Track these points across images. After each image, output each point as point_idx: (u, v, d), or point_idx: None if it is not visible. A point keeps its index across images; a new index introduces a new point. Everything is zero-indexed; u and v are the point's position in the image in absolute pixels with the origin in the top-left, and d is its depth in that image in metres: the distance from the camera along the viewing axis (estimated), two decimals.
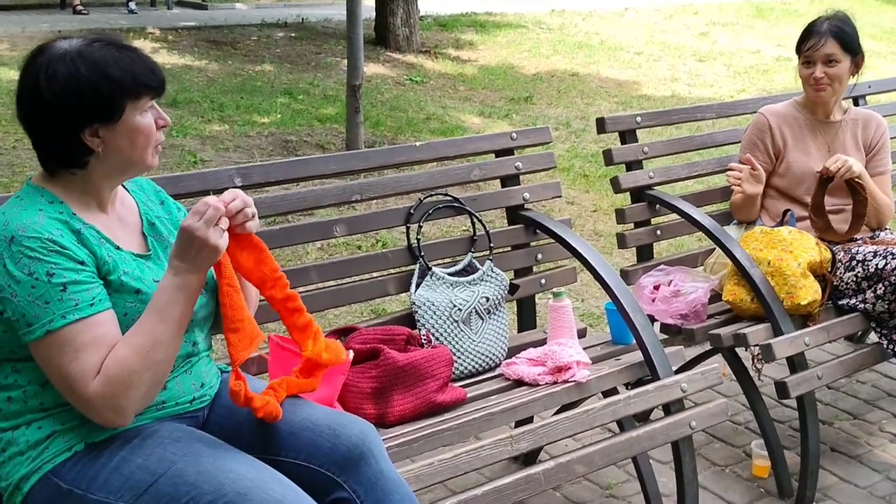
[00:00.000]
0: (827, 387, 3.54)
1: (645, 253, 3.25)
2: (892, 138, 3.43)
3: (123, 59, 1.75)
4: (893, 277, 2.83)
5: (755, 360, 2.99)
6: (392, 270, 2.68)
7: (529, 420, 2.50)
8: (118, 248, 1.81)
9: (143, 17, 11.36)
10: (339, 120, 7.14)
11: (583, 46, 11.32)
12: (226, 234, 1.75)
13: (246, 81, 8.42)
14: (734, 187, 3.14)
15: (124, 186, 1.95)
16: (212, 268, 1.79)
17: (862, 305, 2.92)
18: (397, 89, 8.72)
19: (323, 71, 9.10)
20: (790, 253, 2.89)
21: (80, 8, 11.49)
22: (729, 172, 3.14)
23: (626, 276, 3.11)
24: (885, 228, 3.25)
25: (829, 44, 3.13)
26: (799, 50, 3.23)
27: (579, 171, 6.41)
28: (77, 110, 1.71)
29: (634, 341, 2.59)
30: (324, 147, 6.68)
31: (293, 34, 10.60)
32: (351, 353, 2.27)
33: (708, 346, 2.99)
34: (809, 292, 2.86)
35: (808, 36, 3.18)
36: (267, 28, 10.80)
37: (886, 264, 2.85)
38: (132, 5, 11.90)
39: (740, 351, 2.95)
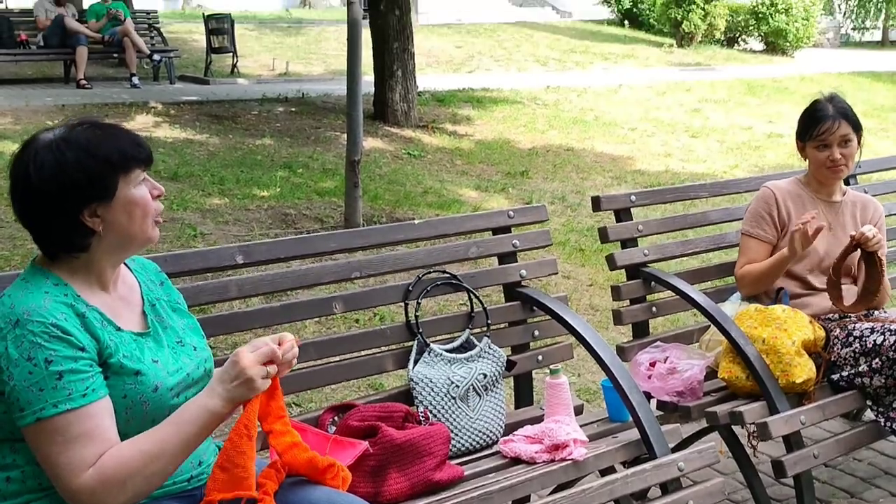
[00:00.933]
0: (824, 465, 3.53)
1: (641, 329, 3.28)
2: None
3: (107, 137, 1.81)
4: (892, 353, 2.85)
5: (751, 438, 2.98)
6: (391, 346, 2.71)
7: (527, 499, 2.50)
8: (119, 329, 1.83)
9: (145, 92, 11.55)
10: (337, 193, 7.22)
11: (578, 122, 11.51)
12: (269, 380, 1.78)
13: (246, 155, 8.53)
14: (804, 233, 3.02)
15: (126, 265, 1.98)
16: None
17: (858, 380, 2.93)
18: (395, 163, 8.83)
19: (322, 145, 9.23)
20: (784, 331, 2.91)
21: (83, 82, 11.68)
22: (807, 224, 3.02)
23: (623, 352, 3.13)
24: (881, 308, 3.28)
25: (843, 125, 3.20)
26: (806, 135, 3.26)
27: (575, 246, 6.47)
28: (70, 194, 1.75)
29: (631, 419, 2.60)
30: (322, 220, 6.75)
31: (293, 109, 10.78)
32: (366, 444, 2.28)
33: (704, 424, 2.99)
34: (804, 370, 2.88)
35: (819, 120, 3.22)
36: (267, 103, 10.98)
37: (885, 340, 2.88)
38: (135, 80, 12.10)
39: (736, 428, 2.95)
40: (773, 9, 20.88)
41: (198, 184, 7.35)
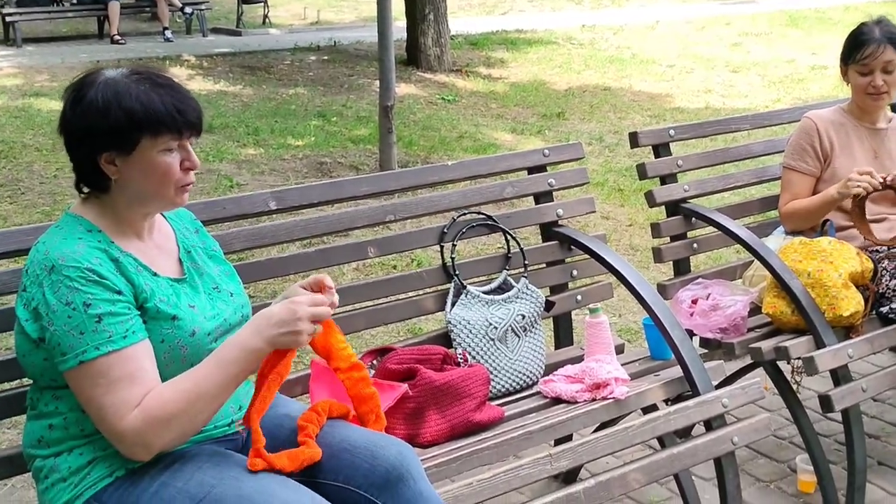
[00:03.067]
0: (872, 399, 3.47)
1: (682, 267, 3.22)
2: None
3: (147, 94, 1.76)
4: None
5: (794, 373, 2.94)
6: (427, 290, 2.69)
7: (568, 438, 2.48)
8: (155, 274, 1.83)
9: (179, 45, 11.56)
10: (372, 141, 7.19)
11: (614, 61, 11.31)
12: (311, 336, 1.78)
13: (280, 105, 8.52)
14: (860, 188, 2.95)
15: (162, 214, 1.97)
16: None
17: None
18: (429, 109, 8.76)
19: (355, 93, 9.18)
20: (830, 264, 2.84)
21: (117, 38, 11.72)
22: (862, 176, 2.96)
23: (664, 290, 3.08)
24: None
25: (888, 50, 3.07)
26: (850, 58, 3.15)
27: (613, 186, 6.38)
28: (90, 135, 1.75)
29: (673, 356, 2.56)
30: (358, 168, 6.73)
31: (325, 57, 10.72)
32: (405, 386, 2.28)
33: (749, 360, 2.95)
34: (851, 303, 2.81)
35: (863, 44, 3.11)
36: (300, 52, 10.93)
37: None
38: (168, 34, 12.11)
39: (782, 364, 2.91)
40: None
41: (232, 135, 7.36)
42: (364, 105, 8.63)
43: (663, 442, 2.55)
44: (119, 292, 1.73)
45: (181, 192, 1.83)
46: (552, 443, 2.46)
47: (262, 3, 13.48)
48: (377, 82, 7.07)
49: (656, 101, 9.50)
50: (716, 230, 3.13)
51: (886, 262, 2.98)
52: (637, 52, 11.85)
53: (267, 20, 13.59)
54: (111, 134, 1.75)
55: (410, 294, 2.66)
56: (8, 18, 11.97)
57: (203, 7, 13.01)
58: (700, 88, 10.16)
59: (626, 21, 13.87)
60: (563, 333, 2.95)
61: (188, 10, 12.84)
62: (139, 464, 1.76)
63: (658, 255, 3.18)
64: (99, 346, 1.68)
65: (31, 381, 1.85)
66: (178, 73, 9.51)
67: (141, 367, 1.72)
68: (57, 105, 1.87)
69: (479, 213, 2.78)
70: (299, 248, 2.98)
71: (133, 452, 1.72)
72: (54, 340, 1.69)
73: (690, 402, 2.41)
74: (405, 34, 10.40)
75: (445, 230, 2.70)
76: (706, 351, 2.90)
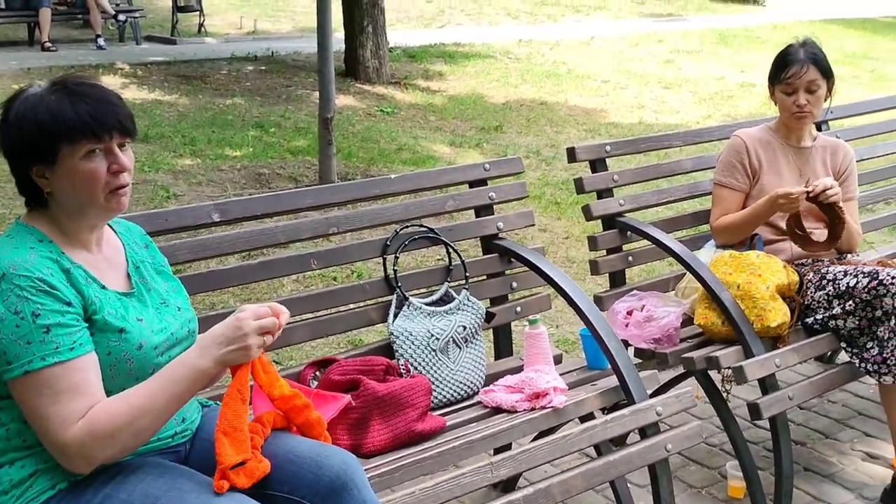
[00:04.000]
0: (799, 407, 3.61)
1: (617, 279, 3.31)
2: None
3: (59, 103, 1.76)
4: (864, 295, 2.89)
5: (724, 382, 3.04)
6: (369, 301, 2.71)
7: (508, 447, 2.53)
8: (103, 287, 1.83)
9: (112, 53, 11.36)
10: (311, 152, 7.18)
11: (551, 75, 11.47)
12: (261, 349, 1.80)
13: (217, 115, 8.44)
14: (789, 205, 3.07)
15: (112, 228, 1.98)
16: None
17: (832, 322, 2.98)
18: (368, 121, 8.78)
19: (294, 103, 9.15)
20: (759, 276, 2.95)
21: (48, 45, 11.46)
22: (793, 194, 3.06)
23: (600, 301, 3.16)
24: (853, 252, 3.33)
25: (811, 70, 3.19)
26: (776, 78, 3.26)
27: (550, 199, 6.48)
28: (15, 151, 1.79)
29: (609, 366, 2.63)
30: (297, 179, 6.71)
31: (263, 67, 10.65)
32: (348, 397, 2.30)
33: (681, 370, 3.04)
34: (778, 314, 2.92)
35: (788, 64, 3.22)
36: (236, 62, 10.85)
37: (857, 282, 2.92)
38: (101, 41, 11.89)
39: (713, 373, 3.00)
40: None
41: (169, 145, 7.28)
42: (302, 116, 8.61)
43: (599, 450, 2.62)
44: (69, 304, 1.73)
45: (113, 196, 1.82)
46: (492, 452, 2.51)
47: (198, 12, 13.30)
48: (315, 93, 7.07)
49: (591, 115, 9.67)
50: (650, 243, 3.22)
51: (812, 274, 3.10)
52: (572, 67, 12.04)
53: (202, 29, 13.43)
54: (30, 148, 1.77)
55: (352, 306, 2.69)
56: None
57: (137, 15, 12.81)
58: (633, 104, 10.37)
59: (562, 36, 14.07)
60: (503, 344, 3.00)
61: (122, 17, 12.62)
62: (82, 476, 1.76)
63: (595, 268, 3.26)
64: (45, 357, 1.68)
65: None
66: (111, 82, 9.35)
67: (86, 379, 1.72)
68: None
69: (421, 225, 2.82)
70: (239, 261, 2.97)
71: (74, 465, 1.72)
72: (1, 349, 1.68)
73: (626, 411, 2.48)
74: (343, 45, 10.40)
75: (388, 243, 2.73)
76: (641, 361, 2.98)
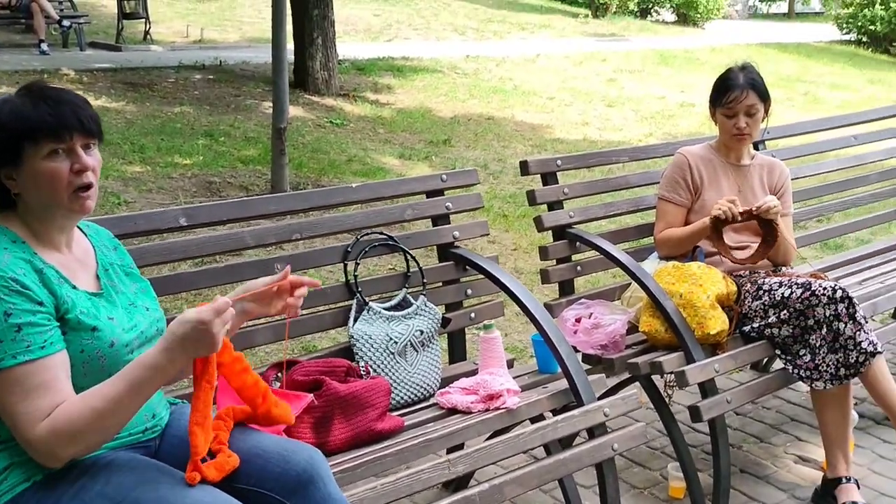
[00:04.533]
0: (735, 413, 3.77)
1: (566, 288, 3.43)
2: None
3: (21, 105, 1.84)
4: (798, 305, 3.05)
5: (667, 386, 3.19)
6: (331, 305, 2.80)
7: (461, 447, 2.63)
8: (75, 287, 1.89)
9: (56, 59, 11.21)
10: (262, 161, 7.22)
11: (497, 91, 11.66)
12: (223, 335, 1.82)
13: (165, 123, 8.42)
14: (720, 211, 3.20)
15: (81, 230, 2.04)
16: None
17: (768, 330, 3.14)
18: (318, 132, 8.84)
19: (243, 113, 9.16)
20: (700, 286, 3.10)
21: None
22: (725, 205, 3.21)
23: (550, 309, 3.27)
24: (788, 265, 3.51)
25: (750, 95, 3.36)
26: (717, 101, 3.43)
27: (499, 212, 6.62)
28: None
29: (559, 370, 2.75)
30: (248, 188, 6.75)
31: (211, 76, 10.63)
32: (311, 396, 2.38)
33: (627, 375, 3.17)
34: (718, 322, 3.08)
35: (728, 89, 3.38)
36: (184, 70, 10.80)
37: (792, 293, 3.08)
38: (44, 46, 11.73)
39: (656, 379, 3.14)
40: None
41: (117, 152, 7.25)
42: (252, 126, 8.63)
43: (549, 450, 2.73)
44: (41, 303, 1.79)
45: (77, 196, 1.87)
46: (445, 451, 2.61)
47: (144, 19, 13.20)
48: (265, 103, 7.12)
49: (537, 131, 9.86)
50: (598, 254, 3.36)
51: (749, 285, 3.27)
52: (519, 83, 12.25)
53: (148, 37, 13.32)
54: None
55: (314, 309, 2.77)
56: None
57: (81, 20, 12.67)
58: (578, 121, 10.60)
59: (508, 53, 14.29)
60: (457, 348, 3.11)
61: (66, 22, 12.46)
62: (56, 469, 1.81)
63: (545, 277, 3.38)
64: (16, 355, 1.73)
65: None
66: None
67: (56, 377, 1.77)
68: None
69: (380, 233, 2.92)
70: (206, 264, 3.04)
71: (44, 460, 1.78)
72: None
73: (575, 412, 2.61)
74: (293, 57, 10.44)
75: (349, 249, 2.82)
76: (589, 366, 3.10)
